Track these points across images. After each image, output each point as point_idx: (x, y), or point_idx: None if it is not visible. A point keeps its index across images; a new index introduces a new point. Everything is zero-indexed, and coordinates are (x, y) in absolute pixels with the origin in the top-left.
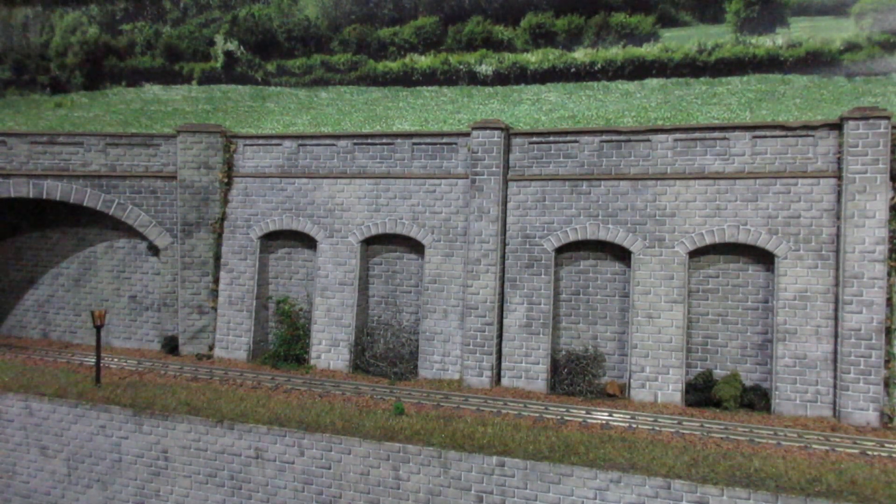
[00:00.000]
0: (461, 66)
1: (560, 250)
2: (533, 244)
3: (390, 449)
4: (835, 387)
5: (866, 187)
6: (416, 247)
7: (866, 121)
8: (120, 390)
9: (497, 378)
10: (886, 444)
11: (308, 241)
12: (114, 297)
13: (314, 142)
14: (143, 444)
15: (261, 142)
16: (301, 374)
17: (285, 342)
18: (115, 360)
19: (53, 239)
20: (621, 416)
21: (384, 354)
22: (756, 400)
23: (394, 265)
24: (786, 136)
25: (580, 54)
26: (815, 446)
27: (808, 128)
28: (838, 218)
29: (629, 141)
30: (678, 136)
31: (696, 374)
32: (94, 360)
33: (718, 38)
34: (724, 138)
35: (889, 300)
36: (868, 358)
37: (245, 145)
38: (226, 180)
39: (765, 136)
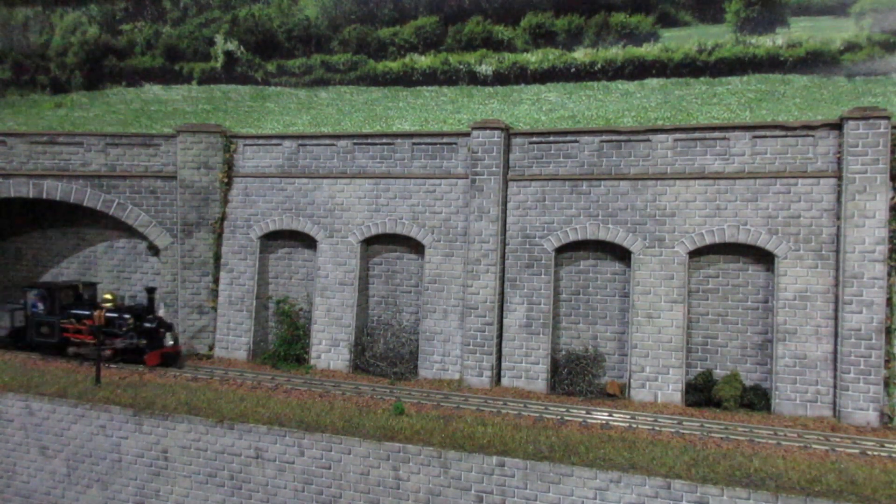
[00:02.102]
0: (461, 66)
1: (560, 250)
2: (533, 244)
3: (390, 449)
4: (835, 387)
5: (866, 187)
6: (416, 247)
7: (866, 121)
8: (120, 390)
9: (497, 378)
10: (886, 444)
11: (308, 241)
12: None
13: (314, 142)
14: (143, 444)
15: (261, 142)
16: (301, 374)
17: (285, 342)
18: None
19: (53, 239)
20: (621, 416)
21: (384, 354)
22: (756, 400)
23: (394, 265)
24: (786, 136)
25: (580, 54)
26: (815, 446)
27: (808, 128)
28: (838, 218)
29: (629, 141)
30: (678, 136)
31: (696, 374)
32: (93, 360)
33: (718, 38)
34: (724, 138)
35: (889, 300)
36: (868, 358)
37: (245, 145)
38: (226, 180)
39: (765, 136)
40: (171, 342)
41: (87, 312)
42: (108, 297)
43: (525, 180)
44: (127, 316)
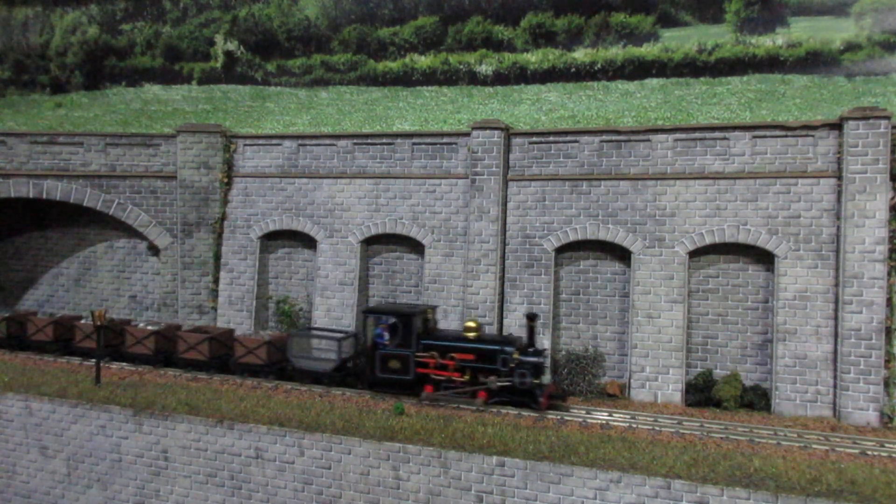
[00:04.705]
0: (461, 66)
1: (560, 250)
2: (533, 244)
3: (390, 449)
4: (835, 387)
5: (866, 187)
6: (416, 247)
7: (866, 121)
8: (120, 390)
9: None
10: (886, 444)
11: (308, 241)
12: (114, 297)
13: (314, 142)
14: (143, 444)
15: (261, 142)
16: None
17: None
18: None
19: (53, 239)
20: (621, 416)
21: None
22: (756, 400)
23: (394, 265)
24: (786, 136)
25: (580, 54)
26: (815, 446)
27: (808, 128)
28: (838, 218)
29: (629, 141)
30: (678, 136)
31: (696, 374)
32: (93, 360)
33: (718, 38)
34: (724, 138)
35: (889, 300)
36: (868, 358)
37: (245, 145)
38: (226, 180)
39: (765, 136)
40: (548, 379)
41: (453, 344)
42: (472, 324)
43: (525, 180)
44: (510, 349)
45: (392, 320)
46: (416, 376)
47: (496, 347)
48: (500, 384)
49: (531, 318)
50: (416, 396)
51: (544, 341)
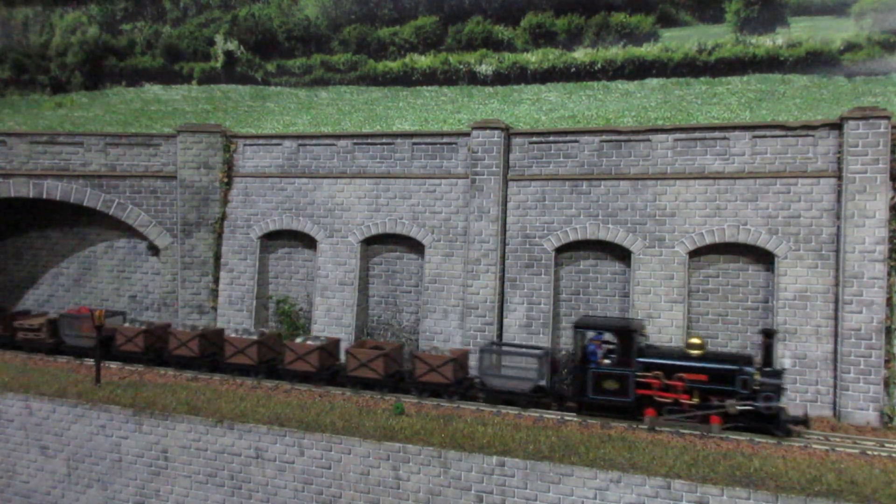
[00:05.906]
0: (461, 66)
1: (560, 250)
2: (533, 244)
3: (390, 449)
4: (835, 387)
5: (866, 187)
6: (416, 247)
7: (866, 121)
8: (120, 390)
9: None
10: (886, 444)
11: (308, 241)
12: (114, 297)
13: (314, 142)
14: (143, 444)
15: (261, 142)
16: None
17: None
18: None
19: (53, 239)
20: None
21: None
22: None
23: (394, 265)
24: (786, 136)
25: (580, 54)
26: (815, 446)
27: (808, 128)
28: (838, 218)
29: (629, 141)
30: (678, 136)
31: None
32: (93, 360)
33: (718, 38)
34: (724, 138)
35: (889, 300)
36: (868, 358)
37: (245, 145)
38: (226, 180)
39: (765, 136)
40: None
41: (681, 363)
42: (697, 340)
43: (525, 180)
44: (750, 369)
45: (608, 335)
46: (636, 398)
47: (735, 367)
48: (736, 409)
49: (768, 334)
50: (634, 421)
51: (784, 360)
